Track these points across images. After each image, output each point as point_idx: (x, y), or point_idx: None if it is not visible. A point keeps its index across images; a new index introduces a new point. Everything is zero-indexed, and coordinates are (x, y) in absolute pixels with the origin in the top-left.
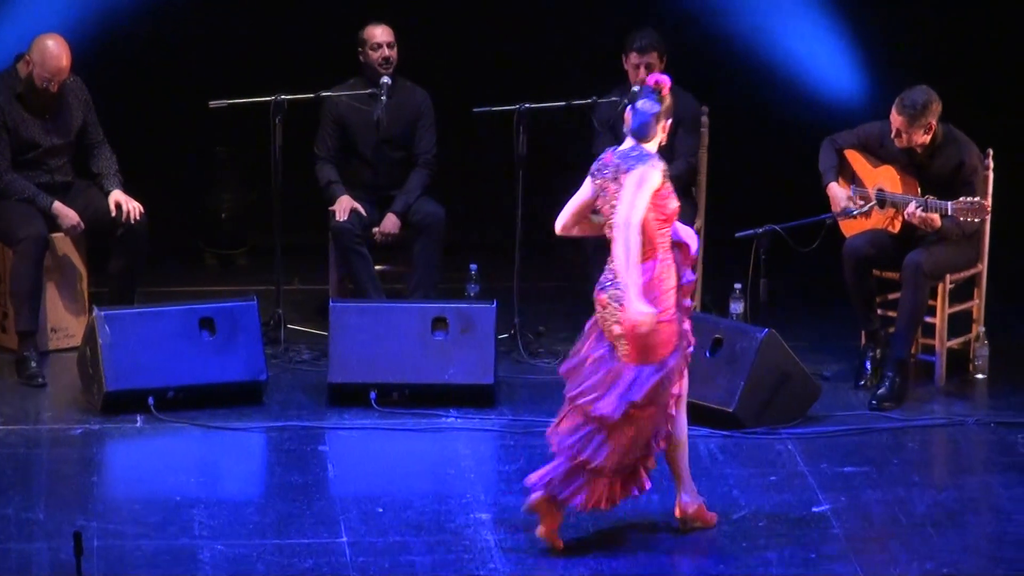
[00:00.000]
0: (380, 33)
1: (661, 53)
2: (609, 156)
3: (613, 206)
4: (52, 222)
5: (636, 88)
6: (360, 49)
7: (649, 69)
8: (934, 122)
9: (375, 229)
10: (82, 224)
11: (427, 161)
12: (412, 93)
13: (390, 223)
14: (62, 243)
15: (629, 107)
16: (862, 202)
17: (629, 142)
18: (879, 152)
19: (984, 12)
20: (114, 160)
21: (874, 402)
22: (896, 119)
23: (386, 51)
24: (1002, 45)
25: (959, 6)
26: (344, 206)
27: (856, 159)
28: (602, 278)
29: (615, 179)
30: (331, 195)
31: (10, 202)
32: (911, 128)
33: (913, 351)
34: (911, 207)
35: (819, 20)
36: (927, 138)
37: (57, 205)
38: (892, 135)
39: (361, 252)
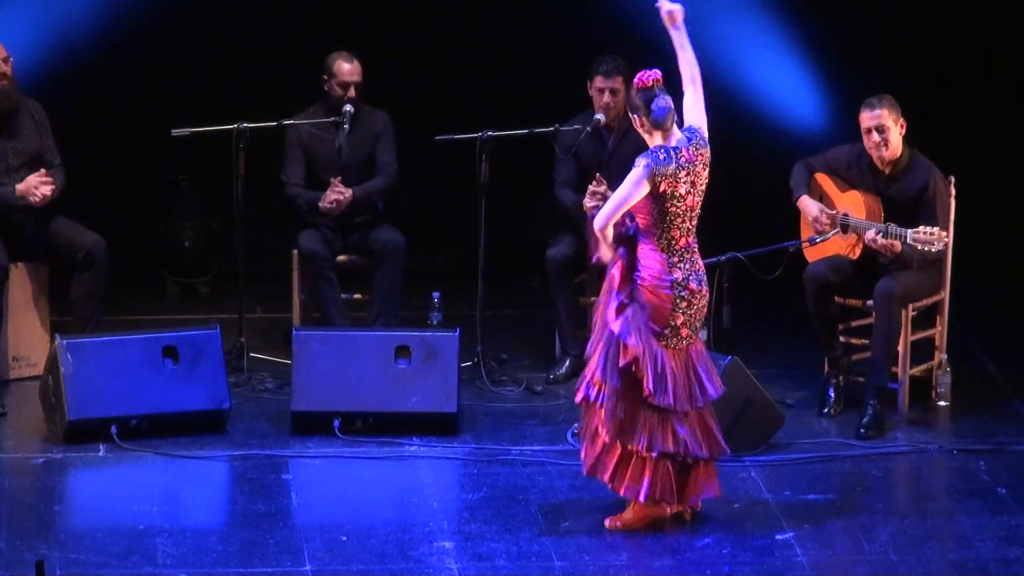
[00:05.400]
0: (349, 72)
1: (627, 78)
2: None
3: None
4: (13, 252)
5: (599, 116)
6: (325, 78)
7: (614, 94)
8: (903, 122)
9: (325, 193)
10: (49, 180)
11: (389, 172)
12: (372, 117)
13: (343, 191)
14: (24, 272)
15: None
16: (827, 225)
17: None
18: (846, 175)
19: (948, 40)
20: (63, 182)
21: (862, 431)
22: (865, 116)
23: (352, 91)
24: (966, 74)
25: (922, 33)
26: (334, 195)
27: (825, 182)
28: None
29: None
30: (311, 199)
31: None
32: (880, 111)
33: None
34: (871, 233)
35: (781, 49)
36: (901, 134)
37: (19, 187)
38: (865, 142)
39: (329, 277)
